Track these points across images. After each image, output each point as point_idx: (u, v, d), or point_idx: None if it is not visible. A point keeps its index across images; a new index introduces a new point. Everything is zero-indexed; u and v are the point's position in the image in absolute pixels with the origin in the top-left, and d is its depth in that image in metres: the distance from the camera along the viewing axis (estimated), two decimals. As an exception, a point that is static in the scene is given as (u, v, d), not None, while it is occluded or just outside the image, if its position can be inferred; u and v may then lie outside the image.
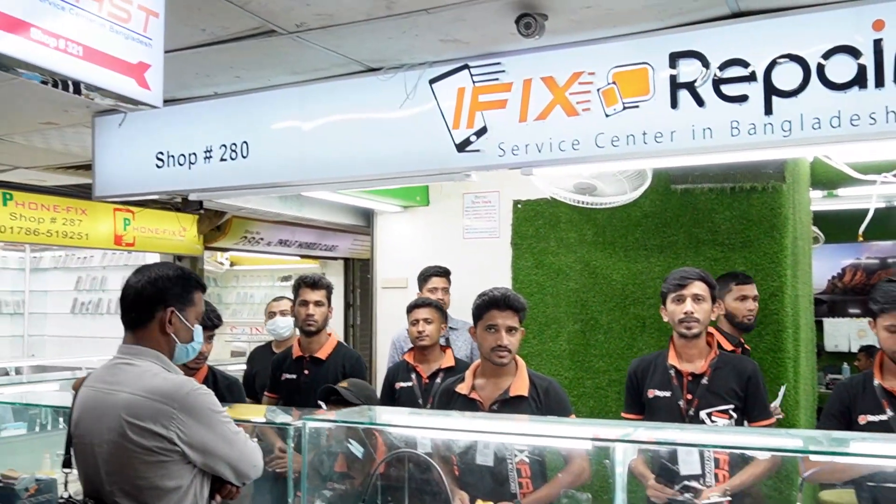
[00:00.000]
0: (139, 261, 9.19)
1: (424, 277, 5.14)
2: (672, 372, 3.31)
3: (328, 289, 4.37)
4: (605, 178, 3.90)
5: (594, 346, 5.02)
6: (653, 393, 3.33)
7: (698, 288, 3.31)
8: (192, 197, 4.28)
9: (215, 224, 8.08)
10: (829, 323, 9.30)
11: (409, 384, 4.54)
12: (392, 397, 4.61)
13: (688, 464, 3.12)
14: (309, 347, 4.38)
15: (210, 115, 4.13)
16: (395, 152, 3.60)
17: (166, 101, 2.84)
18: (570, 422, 3.22)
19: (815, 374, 6.37)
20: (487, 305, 3.32)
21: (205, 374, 3.96)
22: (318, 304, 4.30)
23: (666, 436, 2.89)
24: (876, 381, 3.04)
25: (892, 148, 2.99)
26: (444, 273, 5.16)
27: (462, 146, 3.41)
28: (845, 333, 9.23)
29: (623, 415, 3.51)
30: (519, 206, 5.35)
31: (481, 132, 3.38)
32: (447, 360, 4.56)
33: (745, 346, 4.27)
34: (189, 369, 3.82)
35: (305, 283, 4.33)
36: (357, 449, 3.21)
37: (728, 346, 3.93)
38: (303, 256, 10.50)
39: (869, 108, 2.79)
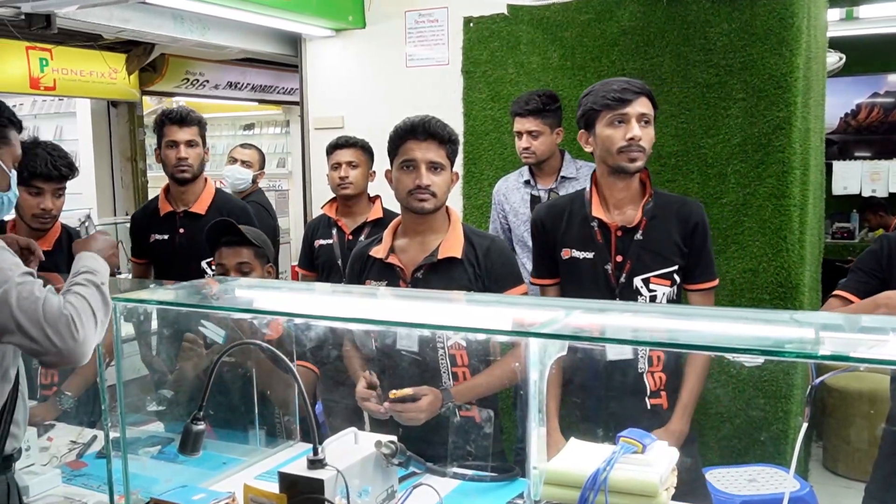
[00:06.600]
0: (70, 108, 8.33)
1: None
2: (595, 225, 2.48)
3: (200, 124, 3.45)
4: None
5: (561, 194, 4.16)
6: (568, 253, 2.50)
7: (643, 106, 2.37)
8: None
9: (144, 62, 7.09)
10: (838, 166, 8.34)
11: (330, 241, 3.78)
12: (311, 257, 3.87)
13: (616, 348, 2.32)
14: (182, 199, 3.50)
15: None
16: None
17: None
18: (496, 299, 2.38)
19: (822, 222, 5.56)
20: (402, 135, 2.44)
21: (57, 235, 3.16)
22: (190, 144, 3.41)
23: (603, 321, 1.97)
24: None
25: None
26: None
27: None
28: (857, 177, 8.28)
29: (533, 280, 2.68)
30: (471, 24, 4.36)
31: None
32: (375, 212, 3.76)
33: None
34: (34, 230, 3.05)
35: (170, 118, 3.39)
36: (216, 333, 2.42)
37: None
38: (261, 101, 9.58)
39: None
